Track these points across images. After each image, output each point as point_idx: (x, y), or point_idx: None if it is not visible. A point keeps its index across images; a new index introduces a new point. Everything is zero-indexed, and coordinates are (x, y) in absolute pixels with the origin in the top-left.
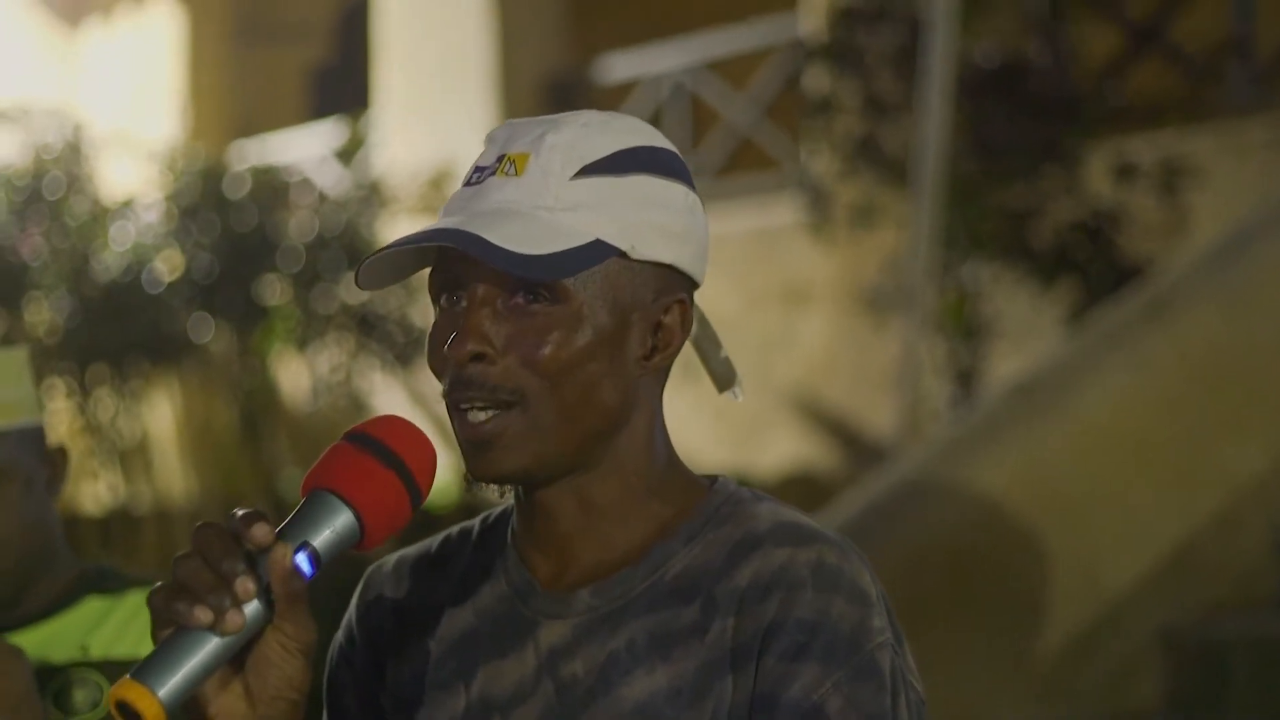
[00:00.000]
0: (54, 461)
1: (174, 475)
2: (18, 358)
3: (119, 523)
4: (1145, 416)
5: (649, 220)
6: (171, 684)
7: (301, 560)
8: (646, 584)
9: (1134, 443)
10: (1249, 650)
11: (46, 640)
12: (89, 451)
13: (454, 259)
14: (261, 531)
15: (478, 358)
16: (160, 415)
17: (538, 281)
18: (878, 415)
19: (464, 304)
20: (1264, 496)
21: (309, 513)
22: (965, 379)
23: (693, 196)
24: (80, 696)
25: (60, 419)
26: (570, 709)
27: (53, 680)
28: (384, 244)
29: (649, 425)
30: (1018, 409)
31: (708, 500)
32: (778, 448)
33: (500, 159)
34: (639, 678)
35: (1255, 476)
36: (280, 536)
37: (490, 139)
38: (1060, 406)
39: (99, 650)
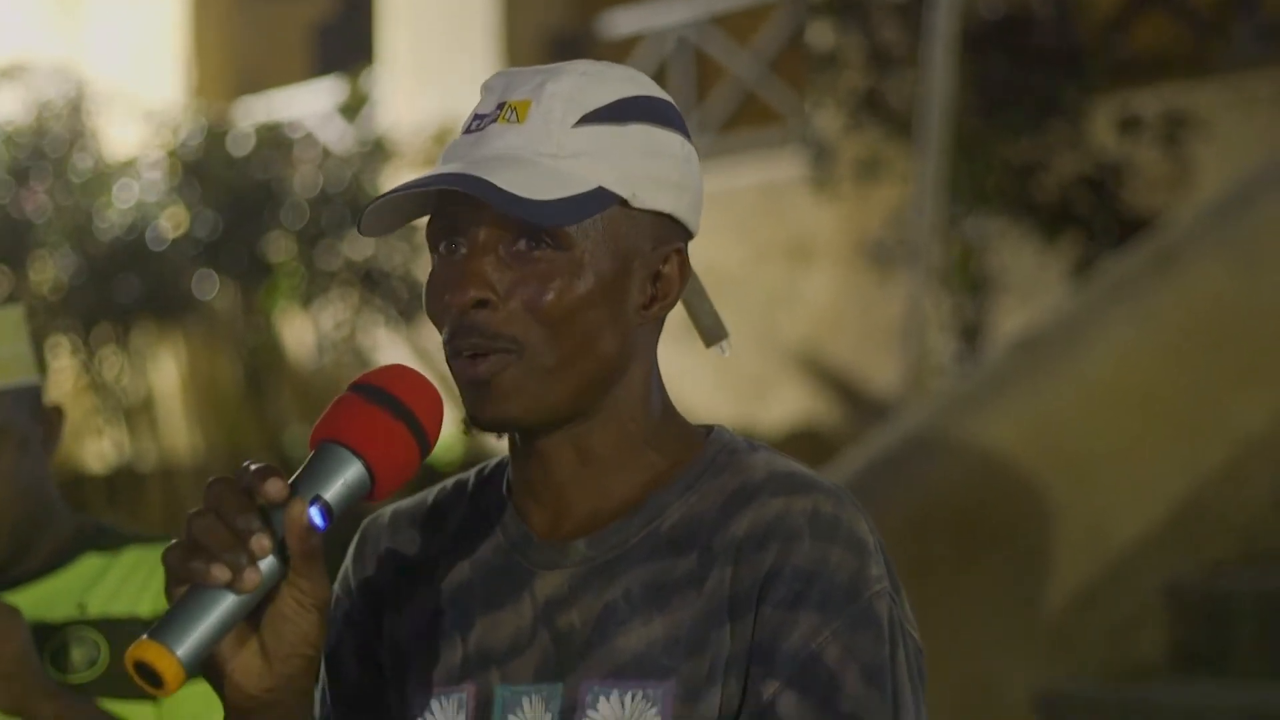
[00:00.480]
0: (49, 420)
1: (179, 432)
2: (12, 316)
3: (124, 480)
4: (1151, 371)
5: (649, 169)
6: (190, 643)
7: (314, 514)
8: (642, 534)
9: (1139, 397)
10: (1254, 604)
11: (43, 599)
12: (94, 409)
13: (455, 205)
14: (276, 487)
15: (481, 304)
16: (165, 372)
17: (542, 227)
18: (883, 371)
19: (464, 251)
20: (1270, 450)
21: (319, 465)
22: (970, 334)
23: (689, 146)
24: (78, 655)
25: (65, 377)
26: (567, 659)
27: (50, 639)
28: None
29: (646, 375)
30: (1023, 364)
31: (704, 450)
32: (782, 404)
33: (500, 106)
34: (636, 628)
35: (1261, 430)
36: (291, 490)
37: (488, 87)
38: (1065, 361)
39: (96, 608)
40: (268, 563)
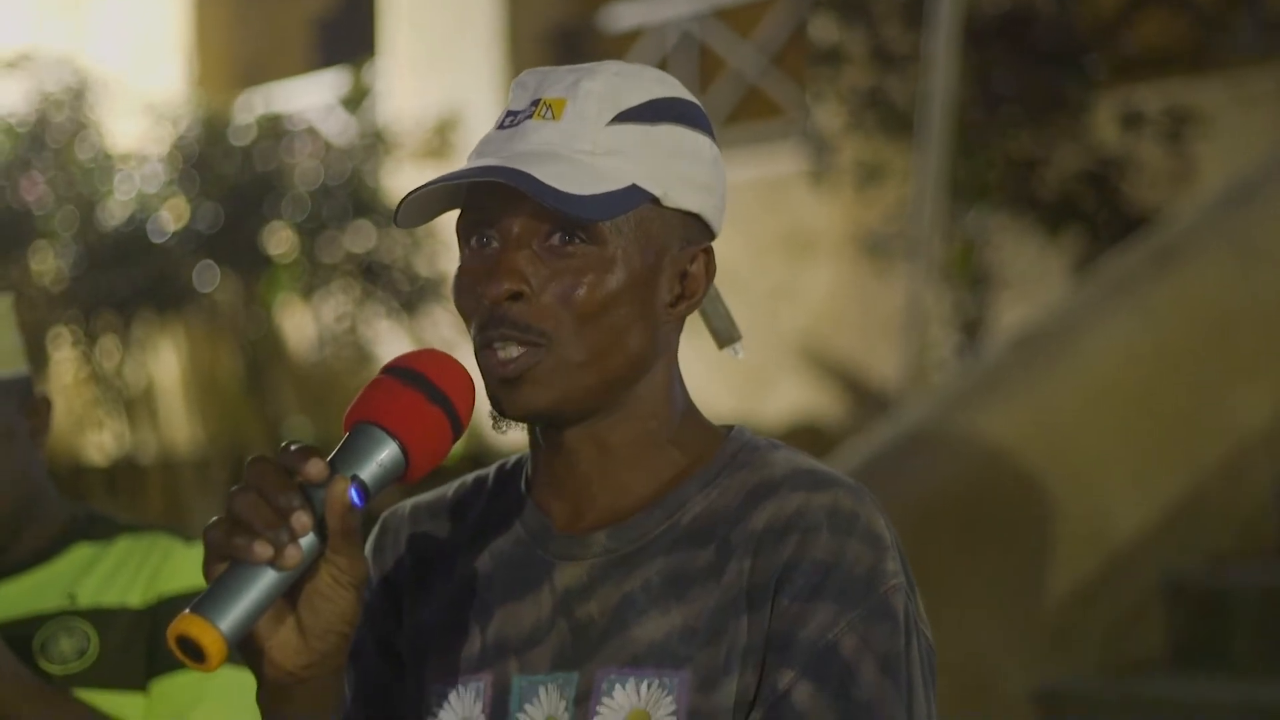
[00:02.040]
0: (38, 411)
1: (179, 424)
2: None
3: (124, 472)
4: (1151, 366)
5: (679, 169)
6: (232, 617)
7: (352, 493)
8: (663, 527)
9: (1140, 392)
10: (1254, 598)
11: (34, 589)
12: (94, 401)
13: (488, 199)
14: (317, 468)
15: (515, 296)
16: (165, 364)
17: (578, 222)
18: (883, 365)
19: (496, 244)
20: (1270, 445)
21: (356, 445)
22: (971, 328)
23: (715, 149)
24: (67, 645)
25: (66, 368)
26: (585, 648)
27: (40, 629)
28: (389, 192)
29: (669, 372)
30: (1024, 359)
31: (724, 448)
32: (783, 397)
33: (535, 103)
34: (654, 618)
35: (1261, 425)
36: (329, 469)
37: (520, 84)
38: (1066, 356)
39: (86, 598)
40: (307, 540)
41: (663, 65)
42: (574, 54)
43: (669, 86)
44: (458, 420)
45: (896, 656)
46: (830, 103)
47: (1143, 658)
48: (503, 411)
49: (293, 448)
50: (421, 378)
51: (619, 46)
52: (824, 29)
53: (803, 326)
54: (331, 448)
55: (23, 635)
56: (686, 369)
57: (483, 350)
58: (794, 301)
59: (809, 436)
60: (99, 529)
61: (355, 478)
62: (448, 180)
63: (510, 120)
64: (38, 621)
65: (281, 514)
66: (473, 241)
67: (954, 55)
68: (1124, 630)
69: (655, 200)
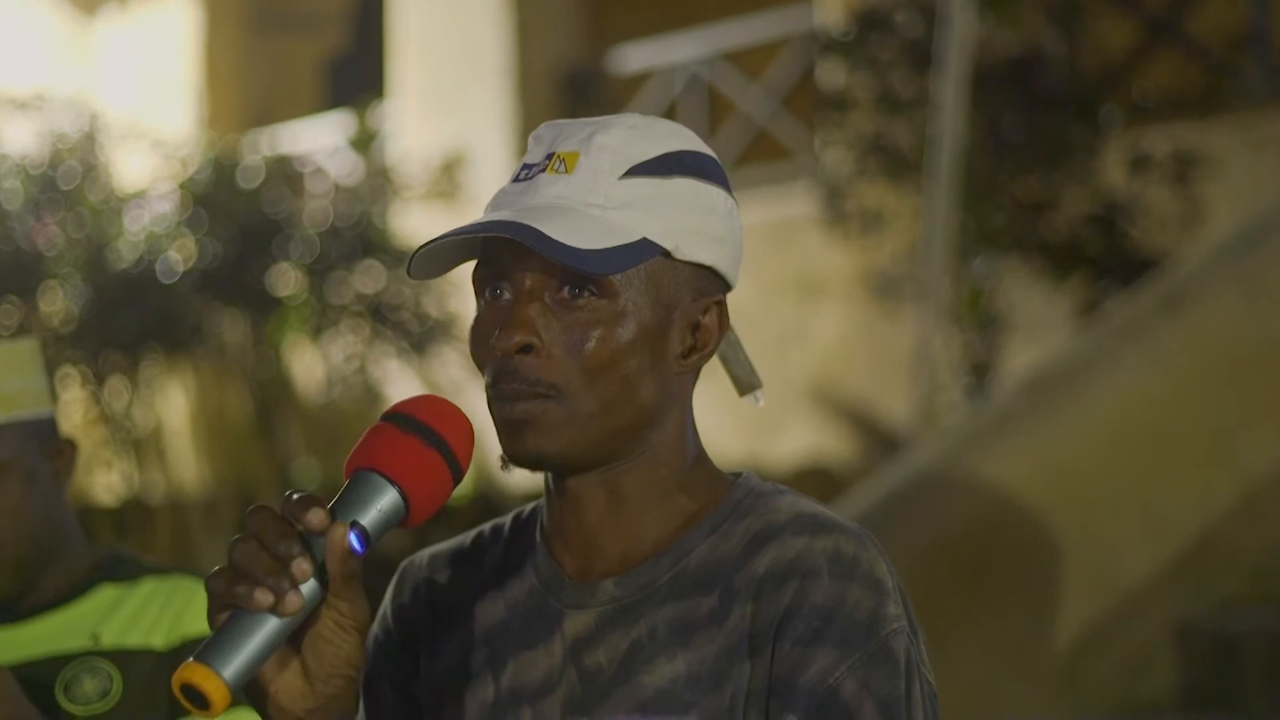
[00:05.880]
0: (62, 452)
1: (187, 465)
2: (23, 349)
3: (133, 512)
4: (1160, 409)
5: (692, 222)
6: (235, 665)
7: (353, 539)
8: (669, 575)
9: (1150, 436)
10: (1264, 643)
11: (57, 629)
12: (103, 441)
13: (501, 252)
14: (318, 516)
15: (525, 349)
16: (174, 405)
17: (587, 276)
18: (893, 407)
19: (509, 297)
20: None
21: (356, 493)
22: (980, 371)
23: (731, 201)
24: (90, 686)
25: (75, 408)
26: (593, 697)
27: (64, 670)
28: (397, 233)
29: (681, 422)
30: (1033, 402)
31: (731, 494)
32: (793, 439)
33: (550, 157)
34: (660, 665)
35: (1272, 469)
36: (330, 516)
37: (536, 137)
38: (1076, 400)
39: (110, 639)
40: (309, 586)
41: (671, 107)
42: (582, 97)
43: (684, 140)
44: (456, 464)
45: (897, 700)
46: (839, 147)
47: (1153, 702)
48: (513, 458)
49: (295, 497)
50: (419, 423)
51: (628, 89)
52: (831, 74)
53: (812, 369)
54: (340, 488)
55: (46, 675)
56: (698, 411)
57: (494, 401)
58: (803, 344)
59: (818, 479)
60: (123, 570)
61: (356, 524)
62: (458, 235)
63: (525, 174)
64: (61, 662)
65: (282, 561)
66: (486, 294)
67: (962, 100)
68: (1134, 674)
69: (667, 253)
